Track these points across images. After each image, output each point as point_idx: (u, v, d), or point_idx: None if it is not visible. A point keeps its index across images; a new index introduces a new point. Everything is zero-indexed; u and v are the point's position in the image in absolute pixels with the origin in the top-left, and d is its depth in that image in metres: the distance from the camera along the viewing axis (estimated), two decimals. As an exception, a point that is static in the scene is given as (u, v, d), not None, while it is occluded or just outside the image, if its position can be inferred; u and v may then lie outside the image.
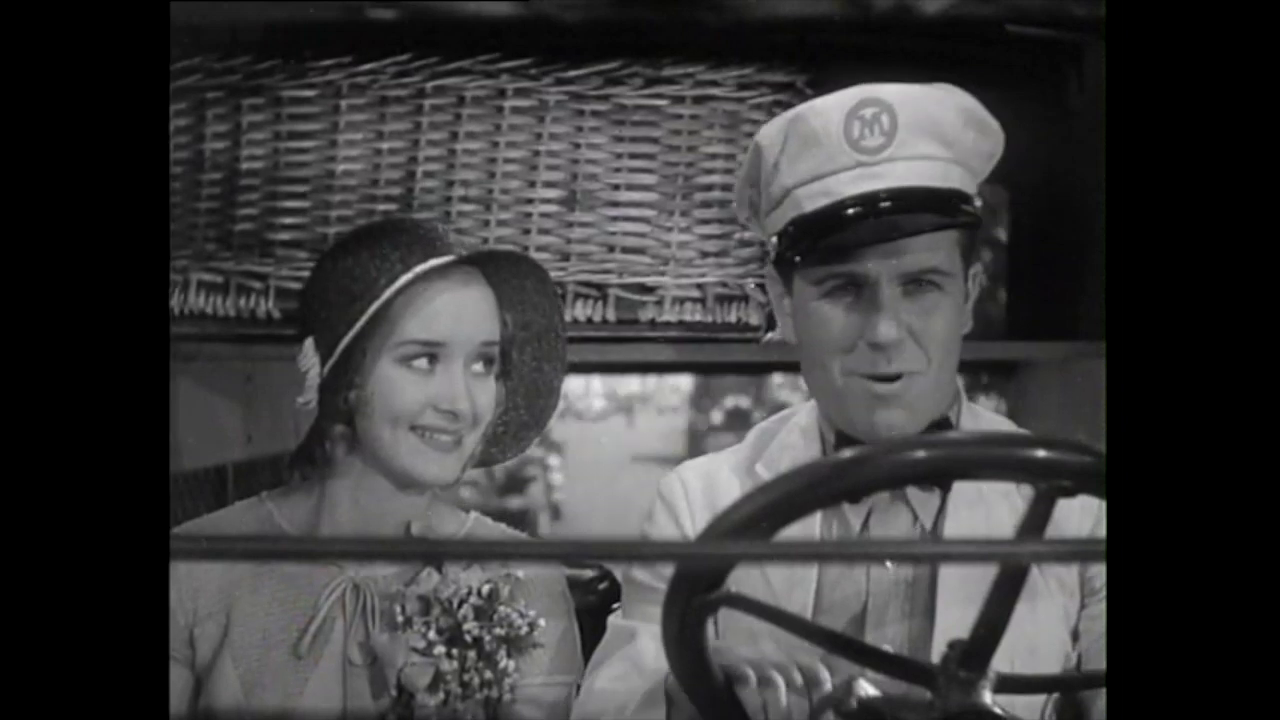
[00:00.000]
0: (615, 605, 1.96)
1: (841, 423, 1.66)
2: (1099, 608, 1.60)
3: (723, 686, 1.38)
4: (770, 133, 1.65)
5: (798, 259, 1.63)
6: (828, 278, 1.61)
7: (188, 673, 1.71)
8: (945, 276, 1.60)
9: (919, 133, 1.58)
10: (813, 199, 1.60)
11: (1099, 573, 1.59)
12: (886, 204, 1.57)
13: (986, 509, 1.62)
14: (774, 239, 1.66)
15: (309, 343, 1.67)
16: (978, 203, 1.63)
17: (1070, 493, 1.16)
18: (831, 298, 1.61)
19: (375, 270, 1.64)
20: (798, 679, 1.38)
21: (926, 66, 1.80)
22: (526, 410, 1.77)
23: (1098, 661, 1.58)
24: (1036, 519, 1.19)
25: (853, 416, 1.63)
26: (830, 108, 1.60)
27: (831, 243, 1.59)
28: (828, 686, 1.39)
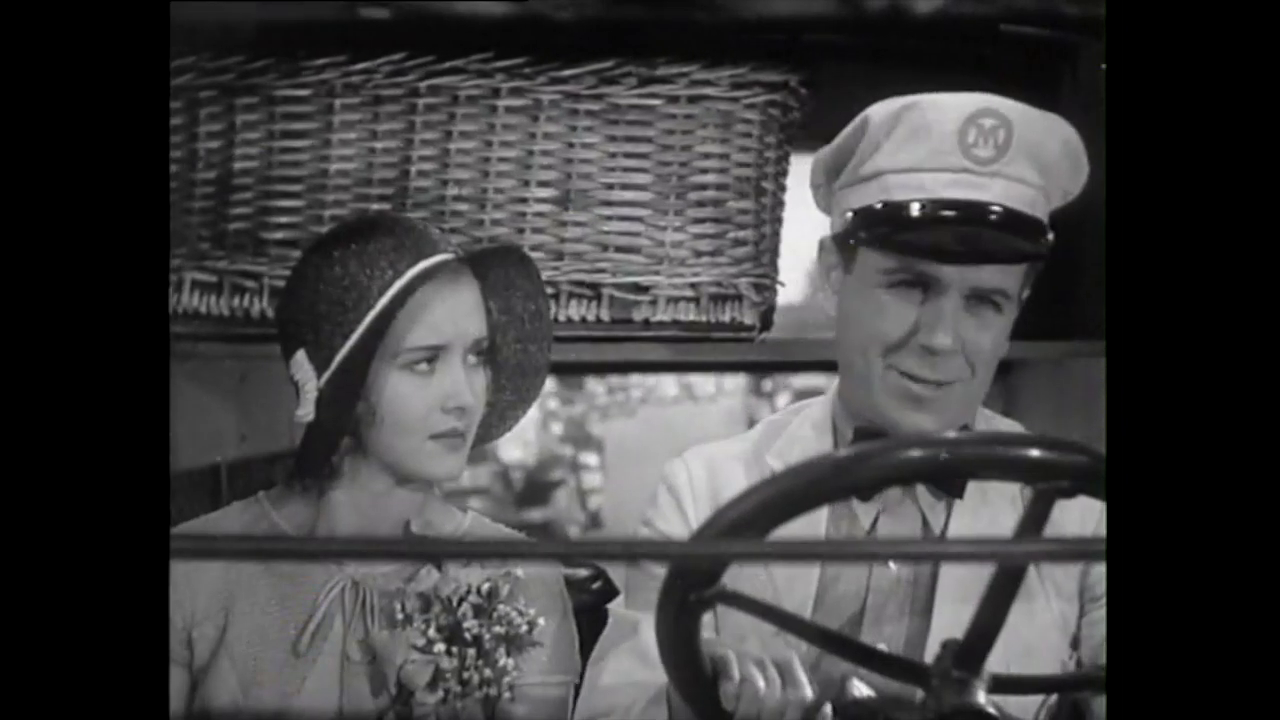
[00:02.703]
0: (609, 604, 1.96)
1: (867, 411, 1.66)
2: (1099, 613, 1.60)
3: (710, 682, 1.38)
4: (883, 111, 1.64)
5: (864, 239, 1.63)
6: (897, 270, 1.61)
7: (184, 675, 1.70)
8: (1006, 299, 1.61)
9: (1027, 155, 1.59)
10: (904, 189, 1.60)
11: (1099, 579, 1.59)
12: (994, 218, 1.58)
13: (992, 513, 1.62)
14: (847, 214, 1.65)
15: (301, 354, 1.66)
16: (1050, 236, 1.63)
17: (1069, 493, 1.17)
18: (894, 290, 1.61)
19: (366, 278, 1.63)
20: (774, 676, 1.39)
21: (920, 66, 1.80)
22: (513, 390, 1.77)
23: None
24: (1035, 519, 1.19)
25: (881, 408, 1.63)
26: (950, 106, 1.60)
27: (915, 239, 1.59)
28: (805, 688, 1.39)
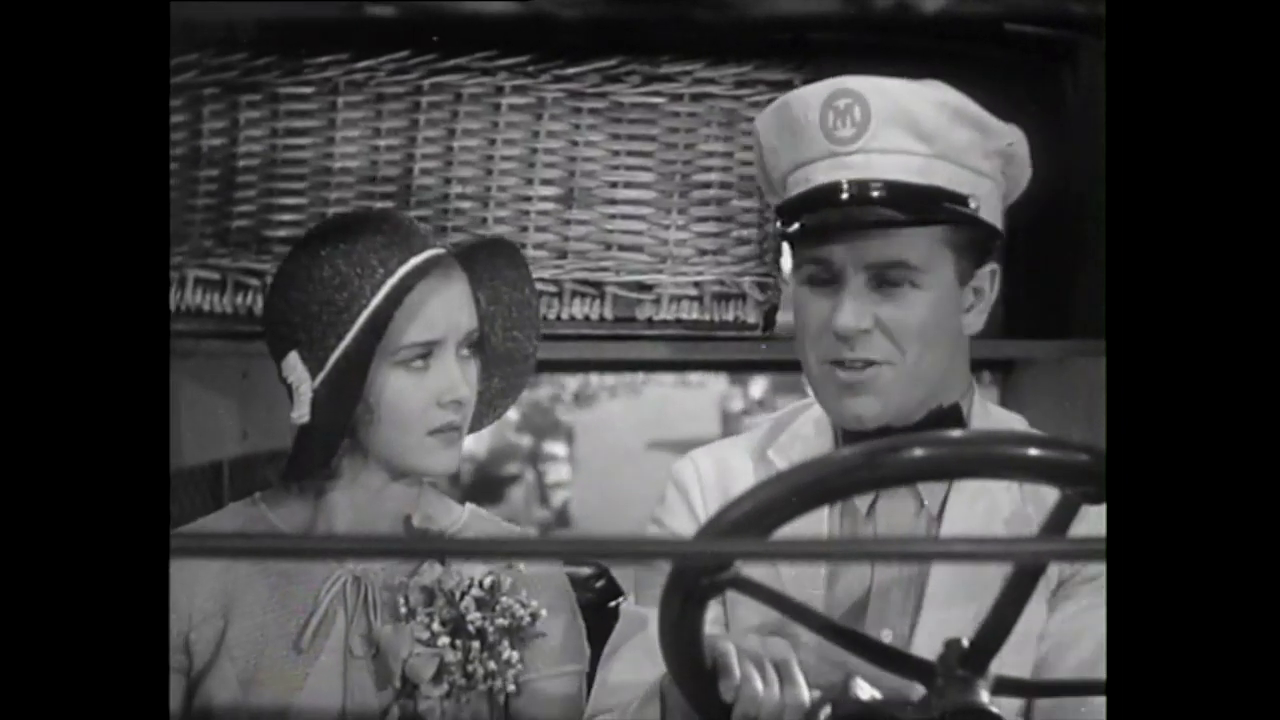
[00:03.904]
0: (612, 602, 1.96)
1: (823, 409, 1.68)
2: (1070, 608, 1.60)
3: (710, 676, 1.38)
4: (763, 120, 1.68)
5: (786, 243, 1.68)
6: (806, 264, 1.64)
7: (182, 681, 1.70)
8: (918, 272, 1.60)
9: (892, 126, 1.59)
10: (796, 185, 1.63)
11: (1071, 574, 1.59)
12: (847, 195, 1.59)
13: (990, 498, 1.62)
14: (776, 222, 1.70)
15: (294, 356, 1.66)
16: (974, 203, 1.62)
17: (1095, 499, 1.16)
18: (810, 285, 1.63)
19: (357, 277, 1.63)
20: (773, 677, 1.39)
21: (925, 64, 1.80)
22: (501, 379, 1.77)
23: (1057, 667, 1.58)
24: (1058, 524, 1.19)
25: (826, 403, 1.65)
26: (809, 96, 1.62)
27: (807, 229, 1.62)
28: (802, 689, 1.39)
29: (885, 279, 1.60)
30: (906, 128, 1.59)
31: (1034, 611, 1.58)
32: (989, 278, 1.66)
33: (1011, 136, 1.64)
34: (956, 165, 1.61)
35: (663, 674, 1.48)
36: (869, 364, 1.61)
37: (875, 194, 1.59)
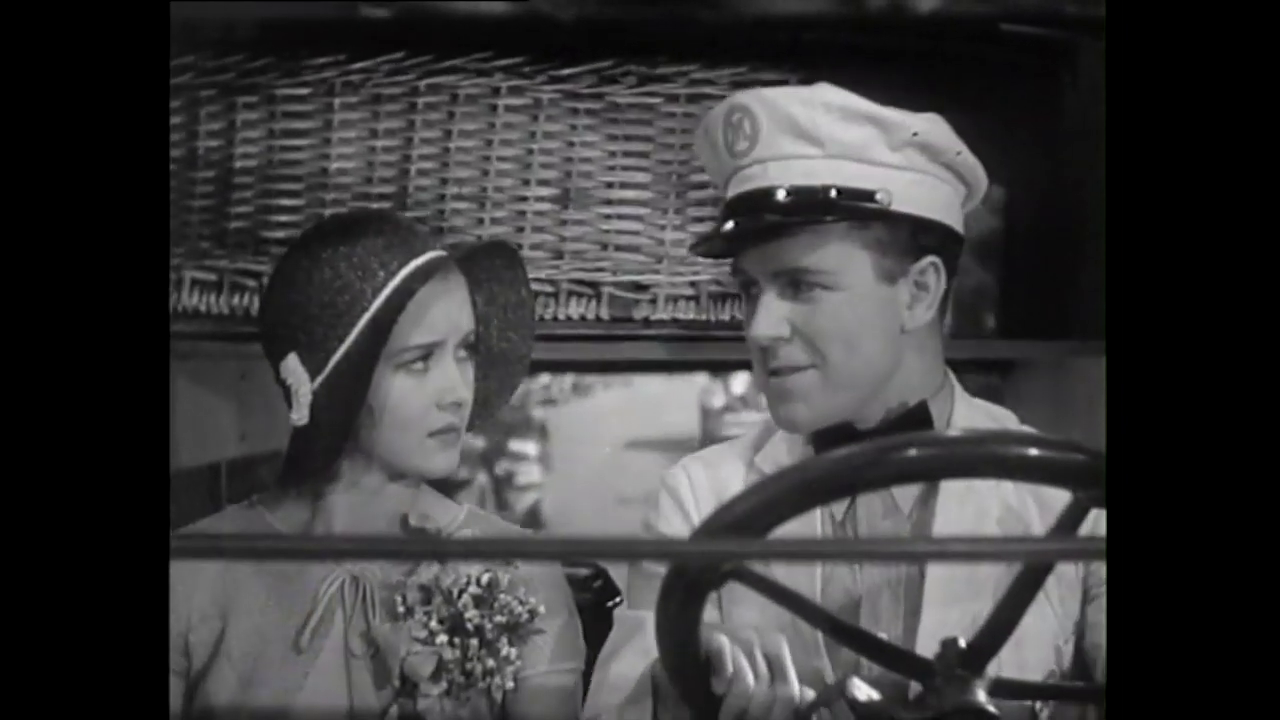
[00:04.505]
0: (609, 603, 1.96)
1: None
2: (1099, 616, 1.61)
3: (704, 668, 1.38)
4: (695, 144, 1.73)
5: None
6: (735, 278, 1.68)
7: (181, 684, 1.70)
8: (828, 274, 1.61)
9: (780, 133, 1.61)
10: (724, 203, 1.66)
11: (1097, 573, 1.60)
12: (745, 204, 1.62)
13: (977, 500, 1.62)
14: None
15: (293, 358, 1.66)
16: (882, 197, 1.60)
17: (1103, 502, 1.16)
18: (745, 299, 1.67)
19: (358, 280, 1.63)
20: (765, 673, 1.39)
21: (920, 65, 1.80)
22: (497, 379, 1.78)
23: (1097, 661, 1.58)
24: (1068, 526, 1.19)
25: (770, 409, 1.67)
26: (714, 116, 1.66)
27: (720, 243, 1.66)
28: (794, 686, 1.39)
29: (795, 285, 1.62)
30: (795, 133, 1.60)
31: (1043, 614, 1.59)
32: (931, 270, 1.64)
33: (917, 126, 1.62)
34: (860, 162, 1.61)
35: (654, 666, 1.48)
36: (794, 369, 1.62)
37: (775, 200, 1.61)
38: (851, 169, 1.60)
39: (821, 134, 1.60)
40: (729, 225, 1.62)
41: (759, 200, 1.61)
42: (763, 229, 1.60)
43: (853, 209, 1.60)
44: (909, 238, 1.63)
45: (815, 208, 1.60)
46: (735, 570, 1.27)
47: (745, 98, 1.63)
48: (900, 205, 1.61)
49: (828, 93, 1.62)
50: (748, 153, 1.62)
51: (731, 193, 1.63)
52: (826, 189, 1.60)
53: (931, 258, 1.64)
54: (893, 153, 1.61)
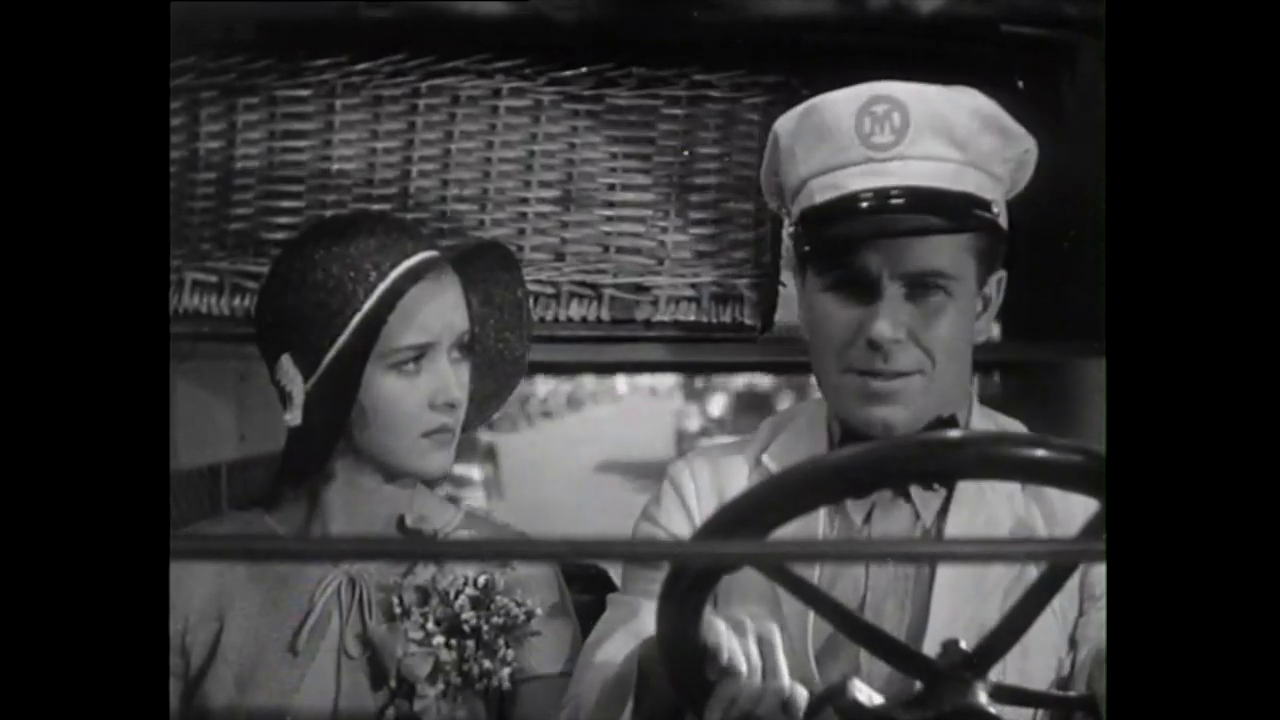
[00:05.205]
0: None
1: (841, 416, 1.66)
2: (1099, 615, 1.60)
3: (700, 656, 1.38)
4: (787, 123, 1.67)
5: (807, 249, 1.64)
6: (833, 271, 1.62)
7: (179, 685, 1.70)
8: (951, 280, 1.60)
9: (929, 133, 1.58)
10: (824, 191, 1.61)
11: (1098, 578, 1.59)
12: (897, 201, 1.57)
13: (988, 510, 1.62)
14: (790, 227, 1.68)
15: (287, 359, 1.66)
16: (996, 209, 1.62)
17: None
18: (835, 292, 1.62)
19: (351, 280, 1.63)
20: (757, 664, 1.38)
21: (921, 66, 1.80)
22: (493, 380, 1.78)
23: (1094, 673, 1.58)
24: (1096, 530, 1.19)
25: (848, 411, 1.64)
26: (843, 101, 1.61)
27: (837, 236, 1.60)
28: (784, 678, 1.38)
29: (923, 287, 1.59)
30: (943, 135, 1.59)
31: (1048, 625, 1.59)
32: (995, 284, 1.67)
33: (1029, 143, 1.65)
34: (983, 172, 1.61)
35: (641, 649, 1.48)
36: (901, 374, 1.60)
37: (912, 201, 1.57)
38: (978, 177, 1.61)
39: (965, 138, 1.59)
40: (866, 220, 1.58)
41: (905, 197, 1.58)
42: (904, 229, 1.57)
43: (982, 219, 1.60)
44: (998, 250, 1.64)
45: (954, 213, 1.58)
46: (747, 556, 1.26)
47: (893, 89, 1.60)
48: (1002, 218, 1.63)
49: (976, 98, 1.62)
50: (890, 147, 1.58)
51: (856, 185, 1.59)
52: (964, 196, 1.59)
53: (1002, 271, 1.66)
54: (1002, 165, 1.63)
